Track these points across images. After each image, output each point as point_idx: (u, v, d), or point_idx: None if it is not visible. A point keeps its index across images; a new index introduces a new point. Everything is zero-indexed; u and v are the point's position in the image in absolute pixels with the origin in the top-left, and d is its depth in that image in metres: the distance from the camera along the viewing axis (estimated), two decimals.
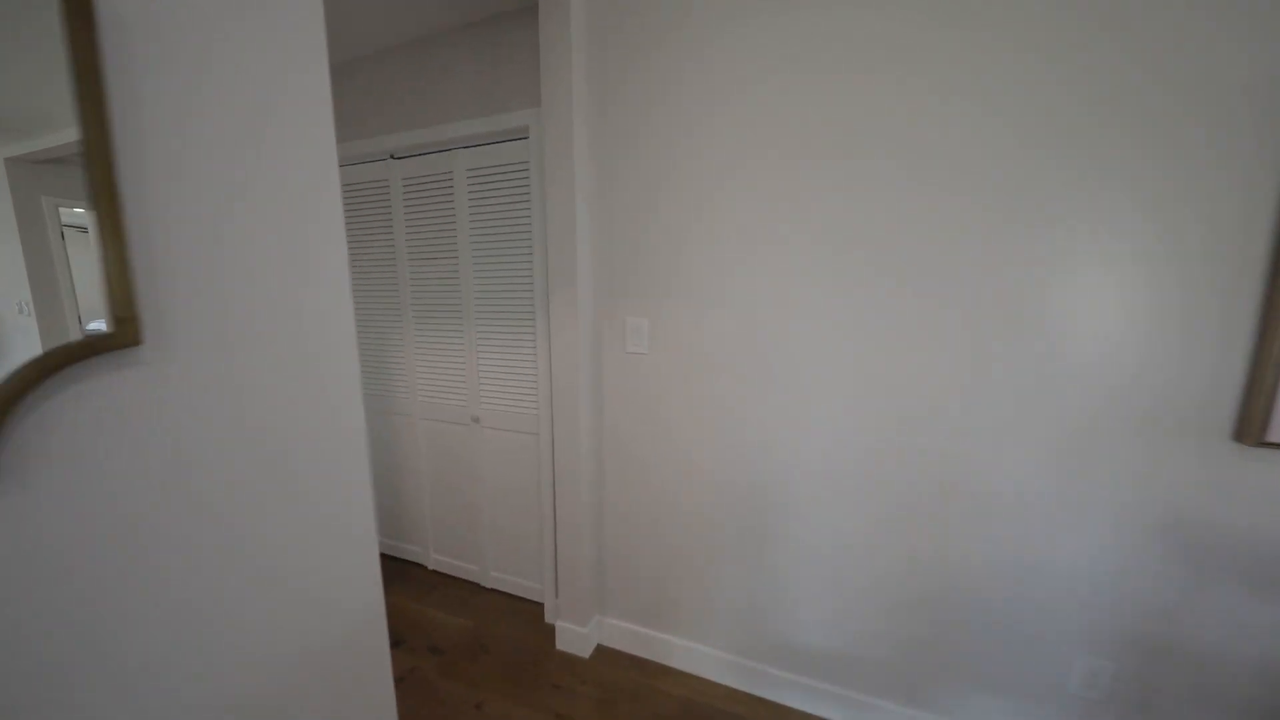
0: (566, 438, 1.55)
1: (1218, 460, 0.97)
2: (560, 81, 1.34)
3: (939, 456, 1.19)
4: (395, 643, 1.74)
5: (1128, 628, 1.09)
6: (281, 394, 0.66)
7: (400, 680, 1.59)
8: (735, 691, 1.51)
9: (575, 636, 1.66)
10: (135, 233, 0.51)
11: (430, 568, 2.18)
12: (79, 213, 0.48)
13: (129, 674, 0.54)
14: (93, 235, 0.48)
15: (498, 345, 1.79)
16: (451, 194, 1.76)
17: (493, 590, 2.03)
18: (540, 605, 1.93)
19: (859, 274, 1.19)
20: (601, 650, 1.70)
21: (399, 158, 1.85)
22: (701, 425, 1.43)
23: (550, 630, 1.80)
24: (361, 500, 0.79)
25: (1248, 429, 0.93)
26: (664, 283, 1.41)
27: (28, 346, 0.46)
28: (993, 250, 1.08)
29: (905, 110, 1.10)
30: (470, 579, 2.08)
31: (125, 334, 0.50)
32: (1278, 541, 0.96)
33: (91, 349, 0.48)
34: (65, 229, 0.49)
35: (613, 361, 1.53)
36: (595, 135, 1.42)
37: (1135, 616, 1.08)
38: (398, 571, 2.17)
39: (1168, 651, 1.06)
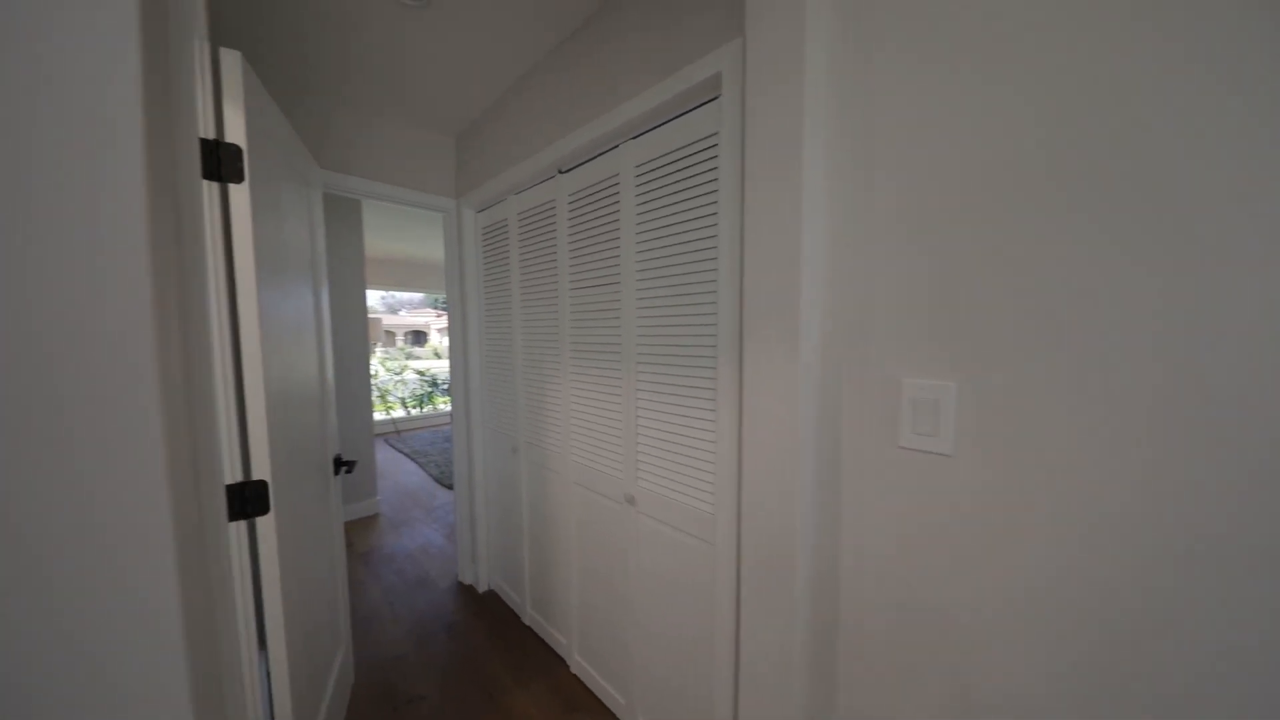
0: (764, 578, 0.87)
1: None
2: None
3: None
4: None
5: None
6: None
7: None
8: None
9: None
10: None
11: (572, 670, 1.74)
12: None
13: None
14: None
15: (662, 402, 1.26)
16: (617, 202, 1.35)
17: None
18: None
19: None
20: None
21: (566, 171, 1.56)
22: (1116, 656, 0.57)
23: None
24: None
25: None
26: (1003, 314, 0.63)
27: None
28: None
29: None
30: (614, 712, 1.55)
31: None
32: None
33: None
34: None
35: (867, 460, 0.80)
36: (845, 48, 0.77)
37: None
38: (541, 664, 1.80)
39: None
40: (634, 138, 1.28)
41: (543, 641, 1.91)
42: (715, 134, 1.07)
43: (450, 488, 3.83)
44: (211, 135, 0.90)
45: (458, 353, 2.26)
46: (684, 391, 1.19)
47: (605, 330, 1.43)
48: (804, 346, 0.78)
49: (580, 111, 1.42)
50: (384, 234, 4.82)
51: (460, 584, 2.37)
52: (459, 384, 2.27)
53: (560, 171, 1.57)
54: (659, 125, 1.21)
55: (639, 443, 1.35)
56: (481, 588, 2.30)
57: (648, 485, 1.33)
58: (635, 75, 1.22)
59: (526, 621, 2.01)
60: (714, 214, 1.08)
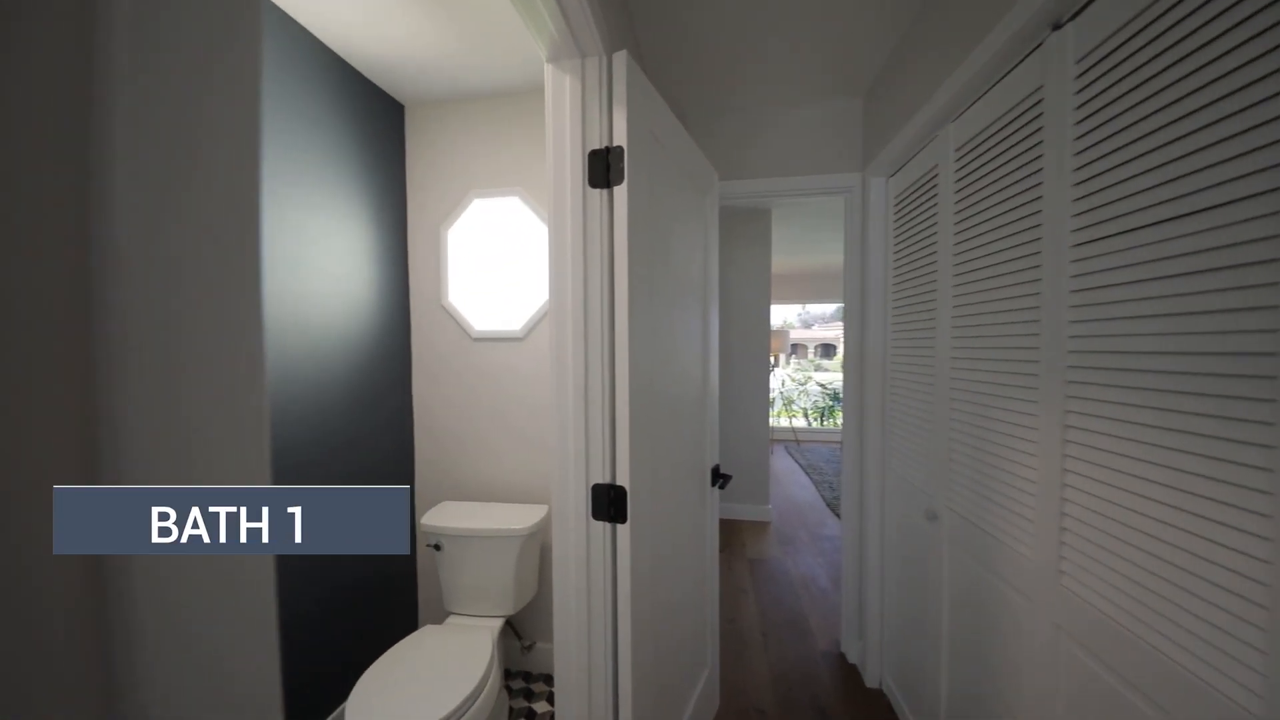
0: None
1: None
2: None
3: None
4: None
5: None
6: None
7: None
8: None
9: None
10: None
11: None
12: None
13: None
14: None
15: None
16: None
17: None
18: None
19: None
20: None
21: (1066, 21, 0.80)
22: None
23: None
24: None
25: None
26: None
27: None
28: None
29: None
30: None
31: None
32: None
33: None
34: None
35: None
36: None
37: None
38: None
39: None
40: None
41: None
42: None
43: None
44: (603, 144, 0.94)
45: (851, 363, 1.81)
46: None
47: (1192, 320, 0.59)
48: None
49: None
50: (792, 247, 4.95)
51: (841, 656, 1.89)
52: (851, 403, 1.80)
53: (1055, 26, 0.83)
54: None
55: None
56: (869, 679, 1.72)
57: None
58: None
59: None
60: None
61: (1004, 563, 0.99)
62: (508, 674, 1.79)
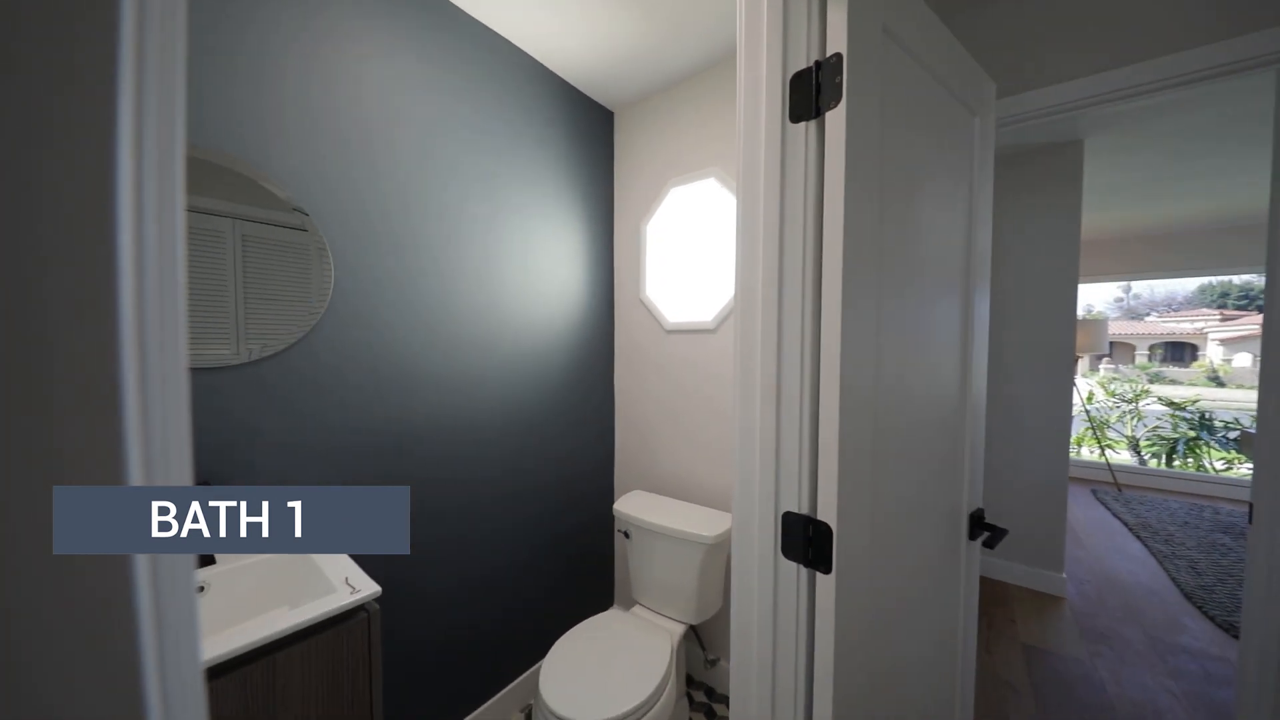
0: None
1: None
2: None
3: None
4: None
5: None
6: None
7: None
8: None
9: None
10: None
11: None
12: None
13: None
14: None
15: None
16: None
17: None
18: None
19: None
20: None
21: None
22: None
23: None
24: None
25: None
26: None
27: None
28: None
29: None
30: None
31: None
32: None
33: None
34: None
35: None
36: None
37: None
38: None
39: None
40: None
41: None
42: None
43: (1227, 630, 2.03)
44: (810, 61, 0.70)
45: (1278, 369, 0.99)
46: None
47: None
48: None
49: None
50: (1108, 199, 3.33)
51: None
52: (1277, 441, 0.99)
53: None
54: None
55: None
56: None
57: None
58: None
59: None
60: None
61: None
62: (690, 682, 1.71)
